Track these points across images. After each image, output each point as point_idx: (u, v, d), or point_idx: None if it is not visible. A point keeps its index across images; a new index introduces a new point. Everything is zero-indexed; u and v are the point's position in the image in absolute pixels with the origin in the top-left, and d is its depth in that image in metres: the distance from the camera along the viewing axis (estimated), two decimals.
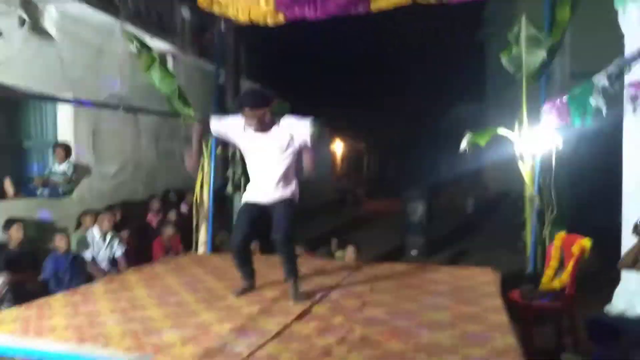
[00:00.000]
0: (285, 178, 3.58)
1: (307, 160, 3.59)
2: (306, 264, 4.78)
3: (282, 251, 3.57)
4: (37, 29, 5.95)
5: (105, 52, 6.47)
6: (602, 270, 5.78)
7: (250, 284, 3.81)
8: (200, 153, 3.66)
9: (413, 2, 5.26)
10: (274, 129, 3.50)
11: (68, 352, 2.62)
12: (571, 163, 5.49)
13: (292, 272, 3.62)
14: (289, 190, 3.63)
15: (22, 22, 5.51)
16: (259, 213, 3.70)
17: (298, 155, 3.62)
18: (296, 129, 3.49)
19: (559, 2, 5.00)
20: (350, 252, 6.00)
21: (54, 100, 6.12)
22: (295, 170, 3.68)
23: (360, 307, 3.37)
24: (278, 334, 2.84)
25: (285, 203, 3.59)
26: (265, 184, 3.59)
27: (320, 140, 3.83)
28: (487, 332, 2.85)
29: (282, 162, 3.54)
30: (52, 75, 6.01)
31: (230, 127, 3.61)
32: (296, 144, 3.53)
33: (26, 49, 5.43)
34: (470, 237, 10.69)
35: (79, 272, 5.23)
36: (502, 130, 5.17)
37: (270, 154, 3.52)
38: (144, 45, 5.96)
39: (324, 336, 2.82)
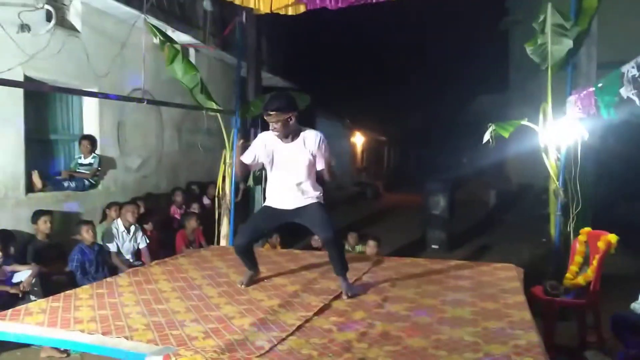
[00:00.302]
0: (309, 187, 3.61)
1: (326, 173, 3.66)
2: (324, 258, 4.80)
3: (332, 249, 3.59)
4: (63, 22, 6.05)
5: (129, 45, 6.54)
6: (628, 267, 5.67)
7: (254, 272, 3.91)
8: (244, 167, 3.77)
9: None
10: (299, 138, 3.53)
11: (94, 343, 2.69)
12: (597, 156, 5.37)
13: (343, 267, 3.63)
14: (316, 194, 3.65)
15: (49, 17, 5.60)
16: (278, 219, 3.77)
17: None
18: (317, 149, 3.54)
19: None
20: (371, 246, 5.98)
21: (80, 93, 6.22)
22: (319, 178, 3.71)
23: (381, 303, 3.37)
24: (299, 328, 2.85)
25: (316, 206, 3.61)
26: (289, 193, 3.60)
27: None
28: (510, 328, 2.82)
29: (306, 171, 3.56)
30: (77, 69, 6.10)
31: (258, 147, 3.64)
32: (317, 163, 3.60)
33: (53, 43, 5.51)
34: (493, 230, 10.58)
35: (104, 264, 5.35)
36: (526, 122, 5.07)
37: (294, 164, 3.55)
38: (167, 38, 6.01)
39: (344, 331, 2.82)
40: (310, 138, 3.54)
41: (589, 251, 4.44)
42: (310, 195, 3.62)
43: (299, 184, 3.58)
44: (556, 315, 4.31)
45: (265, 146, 3.60)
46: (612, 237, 4.14)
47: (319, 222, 3.56)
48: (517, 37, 15.54)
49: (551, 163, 5.02)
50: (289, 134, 3.50)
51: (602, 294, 4.21)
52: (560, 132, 4.90)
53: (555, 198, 5.04)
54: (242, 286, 3.78)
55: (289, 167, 3.57)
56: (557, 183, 4.97)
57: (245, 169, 3.86)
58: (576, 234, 4.70)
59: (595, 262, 4.17)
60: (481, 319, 2.99)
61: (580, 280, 4.28)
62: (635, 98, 3.69)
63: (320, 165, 3.62)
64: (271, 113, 3.37)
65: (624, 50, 4.62)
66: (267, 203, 3.77)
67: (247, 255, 3.86)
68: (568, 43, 4.81)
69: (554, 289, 4.30)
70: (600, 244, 4.16)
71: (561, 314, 4.50)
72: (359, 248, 6.35)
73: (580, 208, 4.89)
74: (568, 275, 4.45)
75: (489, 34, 18.97)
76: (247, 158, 3.69)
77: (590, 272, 4.22)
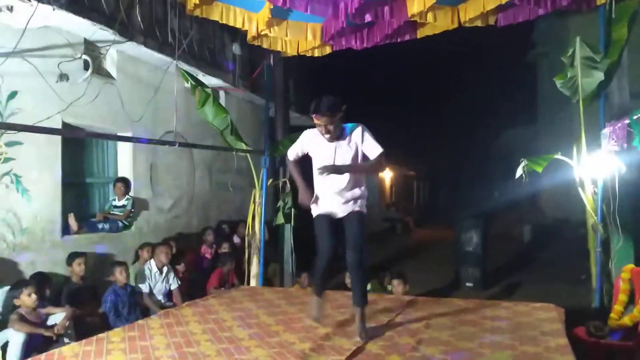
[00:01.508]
0: (354, 188, 3.55)
1: (367, 165, 3.57)
2: None
3: (355, 270, 3.50)
4: (100, 70, 6.31)
5: (161, 90, 6.77)
6: None
7: (321, 298, 3.75)
8: (307, 185, 3.67)
9: (459, 27, 5.22)
10: (343, 136, 3.48)
11: None
12: (636, 189, 5.20)
13: (363, 297, 3.53)
14: (360, 201, 3.59)
15: (87, 66, 5.86)
16: (334, 223, 3.64)
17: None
18: (366, 148, 3.48)
19: (615, 19, 4.82)
20: (395, 285, 5.76)
21: (115, 138, 6.41)
22: (364, 180, 3.64)
23: (416, 345, 3.27)
24: None
25: (357, 218, 3.54)
26: (337, 195, 3.53)
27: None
28: None
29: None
30: (113, 114, 6.32)
31: (304, 144, 3.61)
32: (366, 149, 3.50)
33: (89, 90, 5.74)
34: (528, 267, 10.25)
35: (136, 305, 5.37)
36: (559, 156, 4.97)
37: (338, 163, 3.47)
38: (197, 82, 6.20)
39: None
40: (355, 132, 3.48)
41: (634, 290, 4.24)
42: (357, 198, 3.55)
43: (346, 187, 3.50)
44: (603, 358, 4.09)
45: (311, 143, 3.55)
46: None
47: (354, 236, 3.48)
48: (545, 69, 15.48)
49: (588, 197, 4.87)
50: (336, 136, 3.45)
51: None
52: (595, 165, 4.77)
53: (594, 233, 4.87)
54: (317, 322, 3.68)
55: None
56: (596, 218, 4.81)
57: (307, 189, 3.67)
58: (618, 271, 4.51)
59: None
60: None
61: (627, 320, 4.08)
62: None
63: (372, 155, 3.50)
64: (326, 114, 3.31)
65: None
66: (319, 210, 3.65)
67: (327, 274, 3.73)
68: (599, 75, 4.73)
69: (599, 330, 4.10)
70: None
71: (607, 356, 4.27)
72: (389, 288, 6.21)
73: (622, 244, 4.70)
74: (613, 315, 4.25)
75: (516, 67, 18.92)
76: (292, 156, 3.67)
77: (636, 312, 4.03)
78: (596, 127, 4.85)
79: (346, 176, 3.48)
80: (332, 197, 3.56)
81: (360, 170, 3.61)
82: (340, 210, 3.57)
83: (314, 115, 3.36)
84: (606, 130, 4.67)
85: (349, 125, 3.52)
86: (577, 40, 4.76)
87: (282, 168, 7.67)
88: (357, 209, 3.57)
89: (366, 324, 3.52)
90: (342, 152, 3.47)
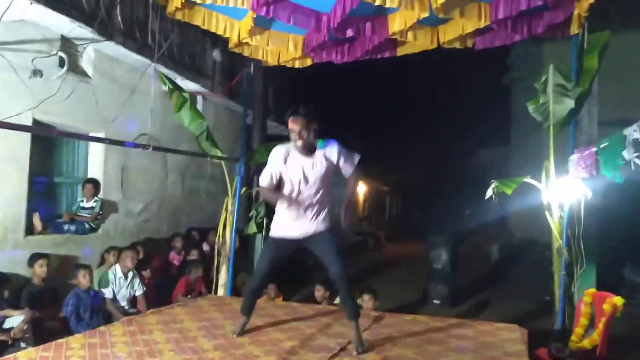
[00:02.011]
0: (323, 207, 3.51)
1: (351, 185, 3.53)
2: (324, 312, 4.71)
3: (344, 285, 3.47)
4: (76, 68, 6.19)
5: (137, 92, 6.67)
6: (636, 330, 5.52)
7: (247, 319, 3.86)
8: (272, 191, 3.54)
9: (438, 47, 5.33)
10: (317, 153, 3.43)
11: None
12: (601, 214, 5.35)
13: (356, 311, 3.54)
14: (326, 221, 3.54)
15: (62, 63, 5.74)
16: (287, 250, 3.63)
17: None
18: (342, 160, 3.46)
19: (587, 49, 4.98)
20: (365, 300, 5.75)
21: (87, 139, 6.28)
22: (330, 200, 3.60)
23: None
24: None
25: (326, 235, 3.50)
26: (302, 214, 3.45)
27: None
28: None
29: (322, 188, 3.45)
30: (86, 113, 6.20)
31: (277, 164, 3.47)
32: (342, 170, 3.49)
33: (63, 88, 5.63)
34: (495, 286, 10.40)
35: (99, 310, 5.24)
36: (529, 179, 5.08)
37: (313, 179, 3.42)
38: (175, 86, 6.14)
39: None
40: (330, 149, 3.44)
41: (594, 313, 4.34)
42: (323, 218, 3.51)
43: (315, 204, 3.44)
44: None
45: (285, 163, 3.44)
46: (618, 300, 4.05)
47: (332, 255, 3.43)
48: (519, 93, 15.85)
49: (554, 221, 4.98)
50: (312, 146, 3.39)
51: (609, 358, 4.08)
52: (563, 190, 4.89)
53: (558, 257, 4.98)
54: (234, 336, 3.70)
55: (309, 184, 3.42)
56: (561, 241, 4.92)
57: (276, 193, 3.55)
58: (580, 294, 4.61)
59: (601, 325, 4.07)
60: None
61: (586, 343, 4.16)
62: (638, 161, 3.71)
63: (347, 171, 3.49)
64: (303, 118, 3.26)
65: (624, 109, 4.69)
66: (274, 233, 3.59)
67: (254, 297, 3.84)
68: (570, 103, 4.86)
69: (560, 351, 4.17)
70: (606, 307, 4.07)
71: None
72: (359, 302, 6.19)
73: (585, 268, 4.81)
74: (574, 337, 4.34)
75: (491, 89, 19.35)
76: (266, 182, 3.48)
77: (596, 335, 4.11)
78: (565, 152, 4.98)
79: (315, 193, 3.45)
80: (296, 217, 3.48)
81: (353, 195, 3.59)
82: (304, 230, 3.49)
83: (290, 119, 3.33)
84: (574, 157, 4.80)
85: (321, 141, 3.47)
86: (550, 67, 4.89)
87: (257, 177, 7.63)
88: (322, 227, 3.52)
89: (361, 338, 3.51)
90: (312, 168, 3.42)
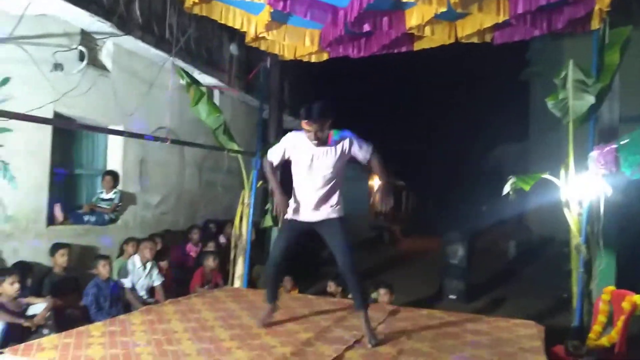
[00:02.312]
0: (332, 194, 3.55)
1: (376, 168, 3.59)
2: (339, 305, 4.73)
3: (352, 276, 3.52)
4: (95, 62, 6.28)
5: (156, 86, 6.75)
6: None
7: (274, 307, 3.91)
8: (283, 192, 3.65)
9: (456, 42, 5.28)
10: (332, 141, 3.48)
11: None
12: (621, 211, 5.27)
13: (363, 300, 3.58)
14: (337, 207, 3.60)
15: (82, 57, 5.83)
16: (301, 232, 3.71)
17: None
18: (356, 147, 3.51)
19: (608, 45, 4.90)
20: (382, 294, 5.79)
21: (106, 131, 6.38)
22: (341, 187, 3.65)
23: (396, 355, 3.28)
24: None
25: (337, 224, 3.56)
26: (313, 200, 3.53)
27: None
28: None
29: (333, 177, 3.50)
30: (105, 107, 6.29)
31: (287, 149, 3.58)
32: (360, 157, 3.54)
33: (84, 82, 5.72)
34: (512, 283, 10.33)
35: (118, 300, 5.34)
36: (547, 176, 5.03)
37: (323, 169, 3.48)
38: (193, 80, 6.19)
39: None
40: (344, 140, 3.49)
41: (613, 311, 4.29)
42: (334, 204, 3.56)
43: (326, 191, 3.51)
44: None
45: (294, 148, 3.53)
46: (638, 298, 3.99)
47: (341, 244, 3.50)
48: (538, 88, 15.64)
49: (573, 218, 4.93)
50: (323, 141, 3.44)
51: (627, 357, 4.04)
52: (582, 187, 4.83)
53: (577, 254, 4.93)
54: (262, 326, 3.75)
55: (319, 172, 3.48)
56: (580, 238, 4.87)
57: (273, 174, 3.71)
58: (599, 292, 4.56)
59: (620, 323, 4.02)
60: None
61: (604, 341, 4.12)
62: None
63: (363, 157, 3.55)
64: (317, 120, 3.29)
65: None
66: (288, 216, 3.67)
67: (276, 279, 3.91)
68: (590, 99, 4.80)
69: (577, 349, 4.14)
70: (625, 305, 4.02)
71: None
72: (373, 295, 6.22)
73: (604, 265, 4.76)
74: (591, 335, 4.30)
75: (510, 84, 19.12)
76: (272, 156, 3.63)
77: (614, 334, 4.07)
78: (585, 149, 4.91)
79: (326, 181, 3.50)
80: (309, 202, 3.56)
81: (384, 174, 3.63)
82: (316, 215, 3.58)
83: (304, 122, 3.37)
84: (594, 154, 4.73)
85: (336, 132, 3.52)
86: (570, 63, 4.82)
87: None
88: (334, 215, 3.58)
89: (372, 331, 3.54)
90: (324, 157, 3.47)
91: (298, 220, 3.65)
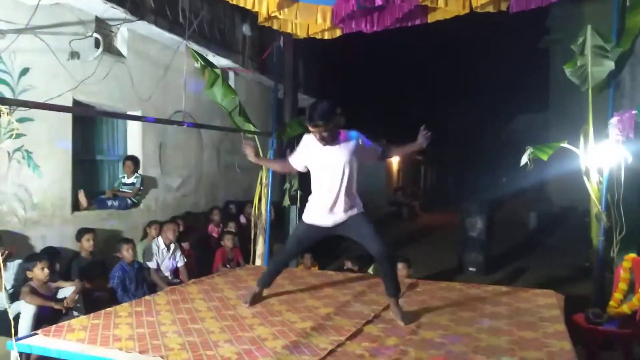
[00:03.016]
0: (349, 195, 3.54)
1: (401, 150, 3.89)
2: (358, 280, 4.80)
3: (385, 264, 3.56)
4: (111, 49, 6.34)
5: (171, 70, 6.80)
6: None
7: (259, 292, 4.03)
8: (287, 168, 3.96)
9: (470, 12, 5.18)
10: (341, 141, 3.49)
11: None
12: None
13: (396, 288, 3.60)
14: (357, 206, 3.61)
15: (98, 44, 5.89)
16: (316, 239, 3.78)
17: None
18: (366, 144, 3.56)
19: (629, 7, 4.75)
20: (400, 269, 5.81)
21: (124, 117, 6.47)
22: (356, 188, 3.64)
23: (415, 329, 3.33)
24: (331, 352, 2.86)
25: (360, 219, 3.57)
26: (329, 202, 3.51)
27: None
28: (548, 359, 2.74)
29: (345, 177, 3.49)
30: (122, 93, 6.37)
31: (303, 149, 3.62)
32: (372, 153, 3.64)
33: (100, 69, 5.79)
34: (532, 254, 10.29)
35: (143, 281, 5.49)
36: (566, 145, 4.96)
37: (333, 169, 3.48)
38: (207, 63, 6.22)
39: (377, 357, 2.81)
40: (352, 140, 3.51)
41: (634, 278, 4.27)
42: (352, 204, 3.56)
43: (341, 192, 3.49)
44: (600, 345, 4.15)
45: (308, 149, 3.57)
46: None
47: (369, 235, 3.50)
48: (558, 56, 15.27)
49: (593, 186, 4.87)
50: (332, 141, 3.45)
51: None
52: (602, 154, 4.76)
53: (597, 222, 4.89)
54: (246, 305, 3.84)
55: (331, 172, 3.48)
56: (600, 207, 4.82)
57: (286, 169, 4.02)
58: (620, 260, 4.53)
59: None
60: (518, 349, 2.91)
61: (625, 308, 4.12)
62: None
63: (374, 153, 3.66)
64: (319, 124, 3.30)
65: None
66: (306, 219, 3.70)
67: (276, 272, 4.05)
68: (609, 64, 4.69)
69: (597, 317, 4.15)
70: None
71: (605, 343, 4.33)
72: None
73: (625, 233, 4.71)
74: (612, 303, 4.29)
75: (530, 53, 18.70)
76: (291, 159, 3.76)
77: (635, 301, 4.06)
78: (605, 116, 4.83)
79: (339, 182, 3.47)
80: (325, 205, 3.54)
81: (407, 146, 3.83)
82: (333, 218, 3.56)
83: (309, 125, 3.39)
84: (613, 120, 4.65)
85: (345, 132, 3.53)
86: (588, 28, 4.71)
87: (289, 150, 7.70)
88: (354, 213, 3.58)
89: (403, 312, 3.55)
90: (333, 157, 3.48)
91: (315, 225, 3.65)
